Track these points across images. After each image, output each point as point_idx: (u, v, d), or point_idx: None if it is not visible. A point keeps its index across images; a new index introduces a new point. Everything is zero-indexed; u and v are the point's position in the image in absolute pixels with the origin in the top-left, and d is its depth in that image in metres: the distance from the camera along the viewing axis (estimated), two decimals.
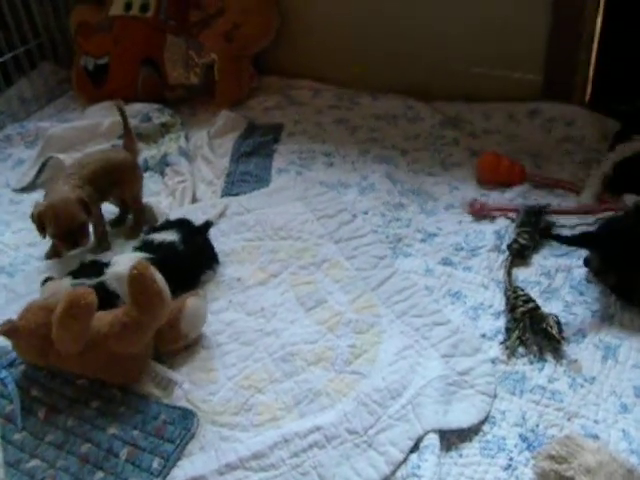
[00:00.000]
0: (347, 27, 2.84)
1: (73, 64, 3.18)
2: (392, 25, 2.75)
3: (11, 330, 1.65)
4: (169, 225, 2.03)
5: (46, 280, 1.84)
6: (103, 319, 1.64)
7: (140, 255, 1.85)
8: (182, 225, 2.02)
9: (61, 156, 2.57)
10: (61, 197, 1.96)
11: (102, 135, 2.73)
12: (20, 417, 1.64)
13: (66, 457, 1.55)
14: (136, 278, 1.62)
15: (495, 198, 2.23)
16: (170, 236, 1.94)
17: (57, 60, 3.38)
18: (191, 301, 1.77)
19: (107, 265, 1.84)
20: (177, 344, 1.76)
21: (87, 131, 2.75)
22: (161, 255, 1.87)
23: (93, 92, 3.06)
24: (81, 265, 1.91)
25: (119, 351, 1.64)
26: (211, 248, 2.03)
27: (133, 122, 2.71)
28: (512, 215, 2.11)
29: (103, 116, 2.83)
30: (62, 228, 1.95)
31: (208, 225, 2.07)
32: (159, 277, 1.66)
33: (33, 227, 2.26)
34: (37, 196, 2.51)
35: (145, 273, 1.62)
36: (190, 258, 1.94)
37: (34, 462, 1.55)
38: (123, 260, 1.83)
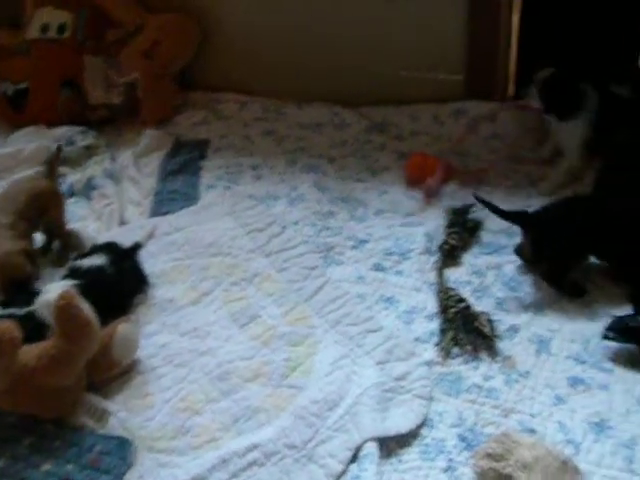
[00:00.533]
0: (269, 37, 2.83)
1: None
2: (314, 33, 2.75)
3: None
4: (97, 249, 1.99)
5: None
6: (30, 352, 1.59)
7: (69, 283, 1.80)
8: (110, 249, 1.99)
9: None
10: (4, 251, 1.92)
11: (25, 161, 2.66)
12: None
13: None
14: (63, 308, 1.58)
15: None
16: (98, 260, 1.91)
17: None
18: (122, 327, 1.74)
19: (37, 294, 1.79)
20: (111, 371, 1.73)
21: (10, 158, 2.68)
22: (89, 280, 1.83)
23: (14, 118, 2.98)
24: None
25: (49, 384, 1.60)
26: (140, 271, 2.00)
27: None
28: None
29: (26, 142, 2.77)
30: (7, 281, 1.91)
31: (137, 247, 2.04)
32: (86, 306, 1.62)
33: None
34: None
35: (71, 303, 1.59)
36: (119, 282, 1.91)
37: None
38: (53, 288, 1.79)
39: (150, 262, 2.08)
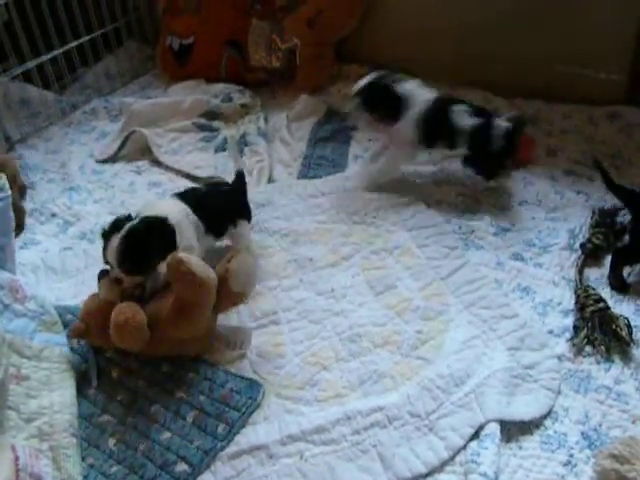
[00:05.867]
0: (429, 19, 2.82)
1: (158, 43, 3.27)
2: (473, 19, 2.72)
3: (80, 333, 1.70)
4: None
5: (102, 273, 1.76)
6: (157, 313, 1.65)
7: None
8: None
9: (144, 131, 2.66)
10: None
11: (183, 113, 2.80)
12: (95, 375, 1.72)
13: (135, 415, 1.63)
14: (175, 272, 1.61)
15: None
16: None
17: (143, 39, 3.48)
18: (236, 261, 1.71)
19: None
20: (234, 304, 1.76)
21: (169, 108, 2.82)
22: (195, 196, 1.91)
23: (177, 71, 3.13)
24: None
25: (183, 336, 1.68)
26: (244, 197, 2.06)
27: (214, 101, 2.79)
28: None
29: (185, 94, 2.90)
30: None
31: (241, 175, 2.08)
32: (197, 263, 1.62)
33: (113, 196, 2.37)
34: (118, 168, 2.61)
35: (182, 268, 1.59)
36: (224, 199, 2.00)
37: (105, 417, 1.63)
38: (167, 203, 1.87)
39: (295, 220, 2.18)
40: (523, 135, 2.30)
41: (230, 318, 1.84)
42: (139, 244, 1.66)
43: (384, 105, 2.19)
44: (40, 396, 1.58)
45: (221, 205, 1.95)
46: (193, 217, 1.81)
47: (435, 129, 2.18)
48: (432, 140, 2.21)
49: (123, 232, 1.66)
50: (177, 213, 1.77)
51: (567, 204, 2.18)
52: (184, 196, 1.87)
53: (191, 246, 1.77)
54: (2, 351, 1.51)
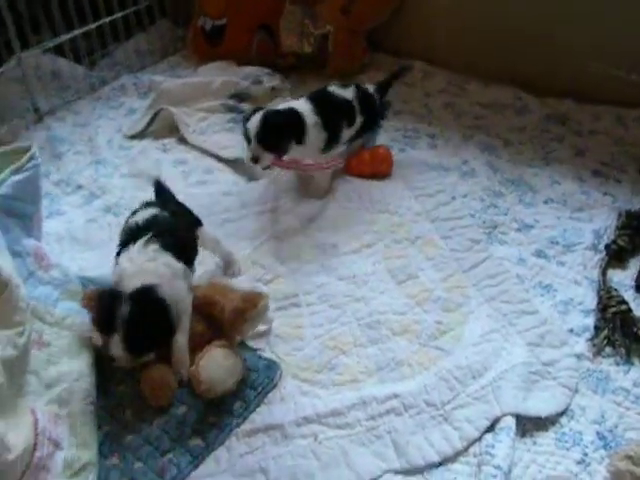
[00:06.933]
0: (462, 14, 2.82)
1: (190, 24, 3.27)
2: (507, 16, 2.70)
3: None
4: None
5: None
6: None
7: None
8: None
9: (172, 109, 2.66)
10: None
11: (212, 93, 2.80)
12: None
13: None
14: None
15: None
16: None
17: (174, 19, 3.49)
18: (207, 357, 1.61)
19: None
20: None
21: (199, 88, 2.82)
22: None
23: (208, 52, 3.14)
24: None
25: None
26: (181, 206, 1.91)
27: (244, 83, 2.79)
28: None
29: (215, 75, 2.91)
30: None
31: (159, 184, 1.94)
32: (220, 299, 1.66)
33: (140, 172, 2.38)
34: (146, 144, 2.63)
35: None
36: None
37: (122, 388, 1.66)
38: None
39: (319, 205, 2.18)
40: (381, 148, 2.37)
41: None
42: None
43: (289, 134, 2.08)
44: (60, 363, 1.60)
45: (180, 231, 1.80)
46: (180, 269, 1.68)
47: (331, 118, 2.15)
48: (338, 131, 2.19)
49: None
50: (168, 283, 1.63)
51: (593, 205, 2.16)
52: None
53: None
54: (27, 316, 1.53)
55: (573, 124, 2.58)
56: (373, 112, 2.28)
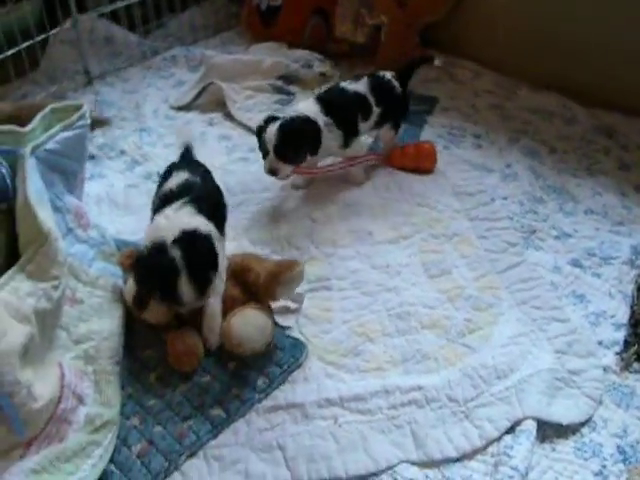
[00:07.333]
0: (518, 19, 2.80)
1: (245, 1, 3.28)
2: (562, 25, 2.67)
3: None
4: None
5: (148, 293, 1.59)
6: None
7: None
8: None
9: (221, 84, 2.68)
10: None
11: (262, 72, 2.82)
12: None
13: None
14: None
15: None
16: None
17: None
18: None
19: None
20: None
21: (249, 66, 2.84)
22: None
23: (261, 31, 3.15)
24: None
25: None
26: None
27: (294, 66, 2.80)
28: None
29: (266, 55, 2.92)
30: None
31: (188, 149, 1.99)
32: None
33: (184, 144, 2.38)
34: (191, 116, 2.64)
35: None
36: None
37: (148, 352, 1.68)
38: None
39: (357, 193, 2.19)
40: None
41: None
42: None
43: (307, 144, 2.07)
44: (91, 321, 1.63)
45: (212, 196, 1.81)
46: (215, 232, 1.68)
47: (342, 115, 2.14)
48: (354, 127, 2.18)
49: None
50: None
51: (634, 220, 2.14)
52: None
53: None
54: (63, 271, 1.55)
55: (620, 137, 2.55)
56: (392, 100, 2.25)
